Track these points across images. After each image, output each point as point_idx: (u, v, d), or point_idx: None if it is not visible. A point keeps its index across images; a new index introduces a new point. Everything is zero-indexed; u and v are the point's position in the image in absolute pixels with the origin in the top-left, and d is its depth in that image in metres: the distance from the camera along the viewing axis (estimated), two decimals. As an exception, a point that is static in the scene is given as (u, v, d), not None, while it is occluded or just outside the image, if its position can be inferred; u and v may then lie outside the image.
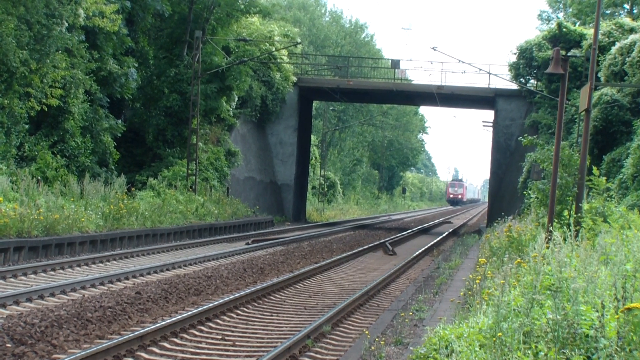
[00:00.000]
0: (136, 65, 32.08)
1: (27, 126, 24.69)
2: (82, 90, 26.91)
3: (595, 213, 14.49)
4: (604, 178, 16.84)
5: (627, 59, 28.57)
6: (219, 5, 35.84)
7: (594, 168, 16.31)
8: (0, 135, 22.89)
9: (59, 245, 19.00)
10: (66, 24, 25.03)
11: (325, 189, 59.38)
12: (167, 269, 18.05)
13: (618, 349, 5.75)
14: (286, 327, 12.46)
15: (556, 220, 14.95)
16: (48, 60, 24.05)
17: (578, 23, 51.10)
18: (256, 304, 14.27)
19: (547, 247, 8.46)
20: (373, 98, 52.91)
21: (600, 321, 6.07)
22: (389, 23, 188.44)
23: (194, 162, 32.27)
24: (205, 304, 13.48)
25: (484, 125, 48.99)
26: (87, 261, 17.96)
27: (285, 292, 16.15)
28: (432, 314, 12.42)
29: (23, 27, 23.09)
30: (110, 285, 15.10)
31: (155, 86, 34.43)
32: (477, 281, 11.40)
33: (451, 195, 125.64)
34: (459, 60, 42.75)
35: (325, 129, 62.30)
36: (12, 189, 21.08)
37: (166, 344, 10.49)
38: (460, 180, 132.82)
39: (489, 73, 37.37)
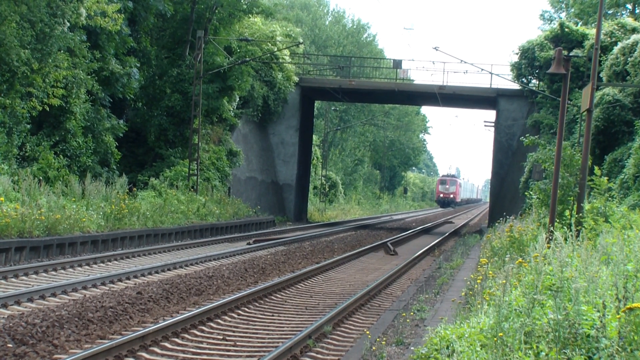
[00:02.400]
0: (138, 65, 32.09)
1: (28, 126, 24.70)
2: (83, 90, 26.91)
3: (597, 213, 14.49)
4: (606, 178, 16.85)
5: (629, 59, 28.56)
6: (221, 6, 35.84)
7: (596, 168, 16.31)
8: (1, 135, 22.89)
9: (60, 245, 19.00)
10: (68, 24, 25.03)
11: (327, 189, 59.37)
12: (169, 269, 18.05)
13: (619, 349, 5.75)
14: (287, 327, 12.46)
15: (557, 220, 14.96)
16: (50, 60, 24.05)
17: (580, 23, 51.05)
18: (257, 304, 14.27)
19: (549, 247, 8.46)
20: (375, 98, 52.91)
21: (601, 321, 6.07)
22: (391, 23, 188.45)
23: (196, 162, 32.29)
24: (207, 304, 13.48)
25: (485, 125, 48.99)
26: (88, 261, 17.96)
27: (287, 292, 16.15)
28: (433, 314, 12.42)
29: (25, 26, 23.09)
30: (112, 285, 15.10)
31: (157, 86, 34.45)
32: (479, 281, 11.39)
33: (441, 195, 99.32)
34: (461, 60, 42.92)
35: (326, 128, 62.28)
36: (14, 189, 21.07)
37: (167, 344, 10.49)
38: (453, 176, 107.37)
39: (490, 73, 37.39)
